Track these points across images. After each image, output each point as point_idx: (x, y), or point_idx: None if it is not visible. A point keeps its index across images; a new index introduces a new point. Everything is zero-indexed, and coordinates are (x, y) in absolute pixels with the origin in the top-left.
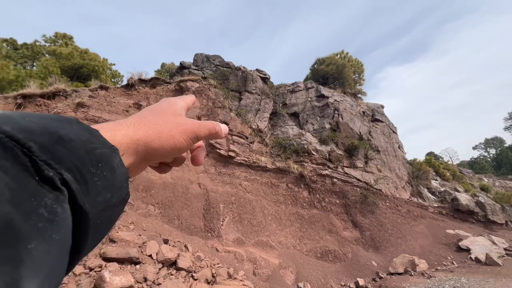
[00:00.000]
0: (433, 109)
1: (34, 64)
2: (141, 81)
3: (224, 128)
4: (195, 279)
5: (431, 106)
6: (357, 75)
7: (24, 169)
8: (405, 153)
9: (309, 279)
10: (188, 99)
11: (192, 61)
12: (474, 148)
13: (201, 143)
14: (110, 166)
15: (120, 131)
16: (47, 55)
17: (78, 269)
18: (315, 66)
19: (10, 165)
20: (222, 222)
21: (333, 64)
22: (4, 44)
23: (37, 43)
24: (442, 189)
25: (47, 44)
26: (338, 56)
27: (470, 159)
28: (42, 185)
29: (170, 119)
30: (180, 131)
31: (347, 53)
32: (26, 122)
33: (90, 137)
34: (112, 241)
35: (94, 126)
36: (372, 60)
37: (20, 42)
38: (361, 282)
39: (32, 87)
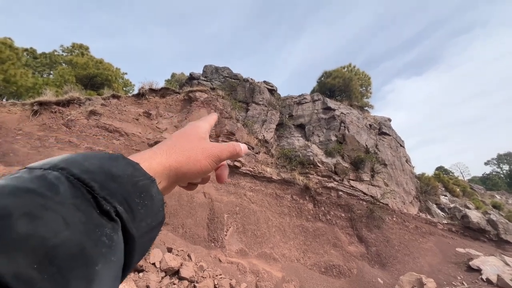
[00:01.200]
0: (443, 122)
1: (51, 72)
2: (152, 90)
3: (244, 148)
4: None
5: (441, 119)
6: (364, 88)
7: (89, 204)
8: (413, 167)
9: None
10: (211, 120)
11: (201, 72)
12: (486, 163)
13: (224, 161)
14: (150, 195)
15: (155, 160)
16: (64, 64)
17: None
18: (322, 78)
19: (80, 202)
20: (226, 232)
21: (340, 77)
22: (25, 53)
23: (55, 53)
24: (451, 206)
25: (65, 54)
26: (345, 69)
27: (482, 174)
28: (102, 217)
29: (196, 144)
30: (205, 155)
31: (354, 66)
32: (87, 164)
33: (133, 171)
34: None
35: (134, 156)
36: (380, 72)
37: (39, 51)
38: None
39: (48, 95)
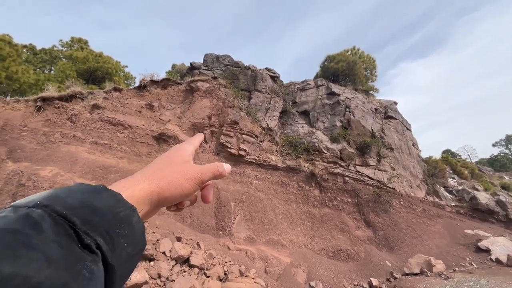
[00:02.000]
0: (450, 105)
1: (52, 68)
2: (153, 82)
3: (227, 168)
4: (208, 276)
5: (448, 102)
6: (369, 71)
7: (71, 239)
8: (420, 151)
9: (321, 278)
10: (196, 141)
11: (202, 61)
12: (494, 145)
13: (209, 181)
14: (130, 224)
15: (138, 187)
16: (64, 59)
17: None
18: (325, 63)
19: (62, 238)
20: (233, 220)
21: (344, 61)
22: (24, 50)
23: (55, 48)
24: (459, 188)
25: (64, 49)
26: (349, 52)
27: (490, 156)
28: (83, 250)
29: (179, 168)
30: (187, 179)
31: (358, 49)
32: (70, 200)
33: (115, 203)
34: None
35: (117, 184)
36: (384, 56)
37: (38, 47)
38: (374, 282)
39: (51, 90)
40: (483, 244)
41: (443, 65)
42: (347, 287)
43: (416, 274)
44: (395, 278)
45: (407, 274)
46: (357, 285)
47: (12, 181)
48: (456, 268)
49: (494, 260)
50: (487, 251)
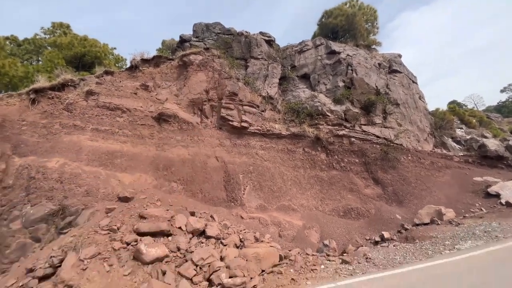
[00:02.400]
0: (456, 54)
1: (39, 58)
2: (144, 61)
3: None
4: (225, 245)
5: (453, 51)
6: (370, 23)
7: None
8: (427, 104)
9: (333, 236)
10: None
11: (192, 32)
12: (502, 90)
13: None
14: None
15: None
16: (48, 47)
17: (116, 244)
18: (323, 20)
19: None
20: (244, 191)
21: (342, 15)
22: (7, 42)
23: (38, 37)
24: (468, 137)
25: (47, 36)
26: (347, 5)
27: (498, 103)
28: None
29: None
30: None
31: (357, 0)
32: None
33: None
34: (142, 217)
35: None
36: (382, 7)
37: (21, 38)
38: (386, 235)
39: (41, 81)
40: (492, 189)
41: (447, 10)
42: (360, 241)
43: (426, 224)
44: (406, 229)
45: (418, 225)
46: (369, 239)
47: (23, 175)
48: (467, 215)
49: (504, 203)
50: (497, 195)
